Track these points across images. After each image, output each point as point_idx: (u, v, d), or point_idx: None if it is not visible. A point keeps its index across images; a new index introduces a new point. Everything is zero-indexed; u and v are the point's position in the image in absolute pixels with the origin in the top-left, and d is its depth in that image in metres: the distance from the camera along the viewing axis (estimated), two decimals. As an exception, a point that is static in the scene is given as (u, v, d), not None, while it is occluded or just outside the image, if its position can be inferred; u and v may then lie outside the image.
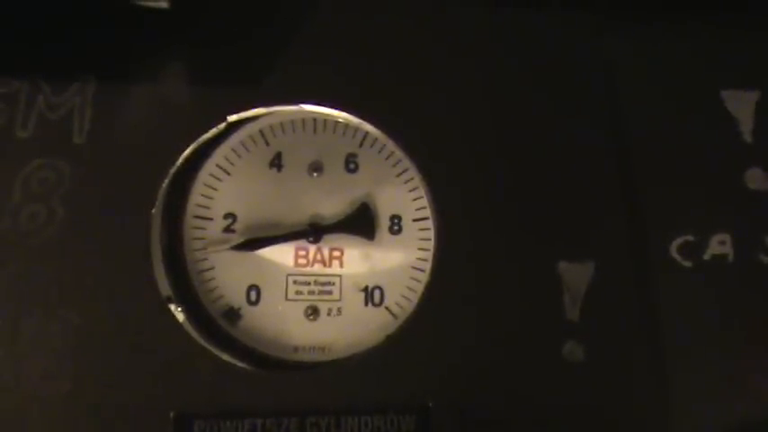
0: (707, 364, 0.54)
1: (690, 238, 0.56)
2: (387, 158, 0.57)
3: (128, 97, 0.54)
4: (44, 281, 0.50)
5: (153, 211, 0.52)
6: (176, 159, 0.53)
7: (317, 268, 0.56)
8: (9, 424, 0.48)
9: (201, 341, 0.52)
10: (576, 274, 0.54)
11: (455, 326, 0.53)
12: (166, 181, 0.53)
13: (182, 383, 0.50)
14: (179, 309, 0.52)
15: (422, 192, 0.57)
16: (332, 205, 0.57)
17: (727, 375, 0.54)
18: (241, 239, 0.55)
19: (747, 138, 0.59)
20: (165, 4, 0.52)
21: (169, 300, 0.52)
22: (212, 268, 0.55)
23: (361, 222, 0.56)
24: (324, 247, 0.56)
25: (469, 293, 0.53)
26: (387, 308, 0.56)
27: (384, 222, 0.57)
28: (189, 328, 0.52)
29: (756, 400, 0.53)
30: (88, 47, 0.54)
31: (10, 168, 0.51)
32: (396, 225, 0.57)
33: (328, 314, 0.55)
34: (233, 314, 0.55)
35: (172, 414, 0.49)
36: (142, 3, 0.52)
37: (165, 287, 0.52)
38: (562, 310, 0.53)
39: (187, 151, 0.54)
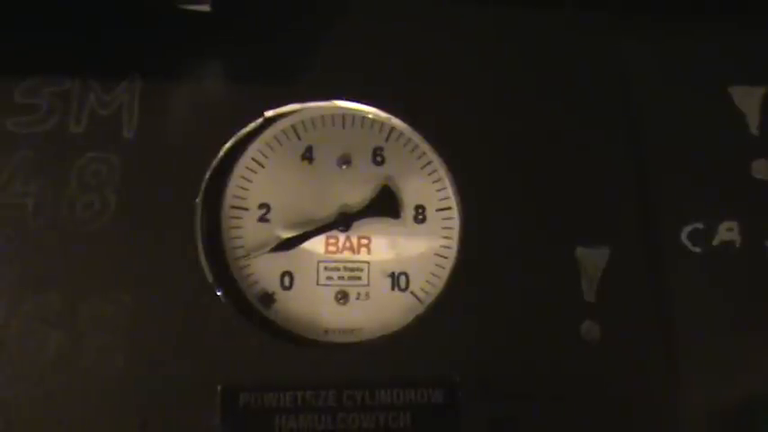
0: (714, 343, 0.56)
1: (699, 225, 0.59)
2: (412, 151, 0.60)
3: (172, 94, 0.57)
4: (99, 265, 0.53)
5: (197, 200, 0.55)
6: (217, 152, 0.56)
7: (347, 255, 0.58)
8: (69, 396, 0.51)
9: (244, 322, 0.54)
10: (593, 259, 0.57)
11: (479, 307, 0.56)
12: (208, 173, 0.56)
13: (228, 359, 0.53)
14: (219, 293, 0.55)
15: (445, 183, 0.59)
16: (359, 195, 0.59)
17: (734, 354, 0.56)
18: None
19: (754, 131, 0.61)
20: (206, 7, 0.54)
21: (212, 284, 0.55)
22: (249, 255, 0.58)
23: (385, 204, 0.59)
24: (353, 235, 0.59)
25: (492, 278, 0.56)
26: (412, 292, 0.58)
27: (409, 212, 0.59)
28: (232, 310, 0.54)
29: (759, 377, 0.56)
30: (135, 48, 0.57)
31: (65, 161, 0.54)
32: (420, 214, 0.59)
33: (357, 298, 0.58)
34: (268, 298, 0.58)
35: (219, 387, 0.52)
36: (185, 6, 0.54)
37: (207, 271, 0.55)
38: (580, 292, 0.56)
39: (227, 145, 0.56)
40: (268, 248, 0.57)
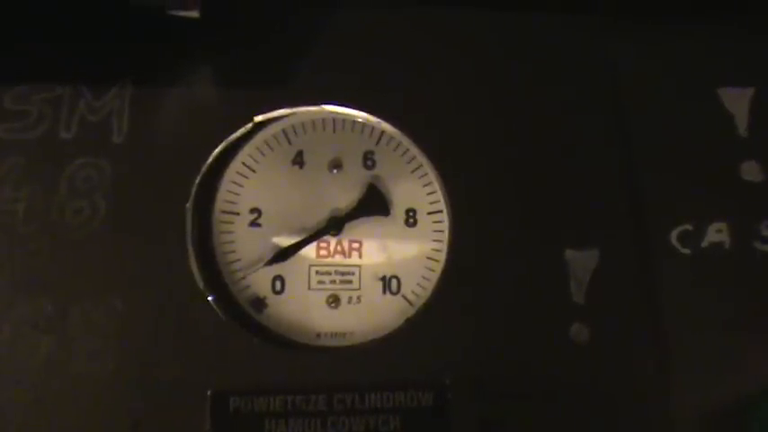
0: (704, 343, 0.56)
1: (688, 227, 0.59)
2: (402, 155, 0.60)
3: (162, 100, 0.57)
4: (90, 270, 0.53)
5: (187, 205, 0.55)
6: (207, 157, 0.56)
7: (338, 259, 0.59)
8: (60, 400, 0.51)
9: (234, 326, 0.54)
10: (582, 261, 0.57)
11: (469, 310, 0.56)
12: (199, 178, 0.56)
13: (217, 364, 0.53)
14: (210, 297, 0.55)
15: (435, 186, 0.59)
16: (350, 199, 0.59)
17: (724, 355, 0.56)
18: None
19: (743, 132, 0.62)
20: (195, 14, 0.54)
21: (203, 288, 0.55)
22: (240, 260, 0.58)
23: (373, 202, 0.59)
24: (344, 239, 0.59)
25: (482, 280, 0.56)
26: (403, 296, 0.58)
27: (400, 215, 0.59)
28: (222, 315, 0.55)
29: (749, 377, 0.56)
30: (125, 54, 0.57)
31: (56, 167, 0.54)
32: (411, 218, 0.60)
33: (348, 302, 0.58)
34: (259, 303, 0.58)
35: (209, 392, 0.52)
36: (175, 12, 0.54)
37: (198, 276, 0.55)
38: (569, 294, 0.56)
39: (217, 150, 0.57)
40: (263, 263, 0.58)
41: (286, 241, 0.58)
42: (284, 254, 0.58)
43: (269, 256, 0.58)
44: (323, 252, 0.59)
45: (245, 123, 0.58)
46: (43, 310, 0.52)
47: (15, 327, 0.52)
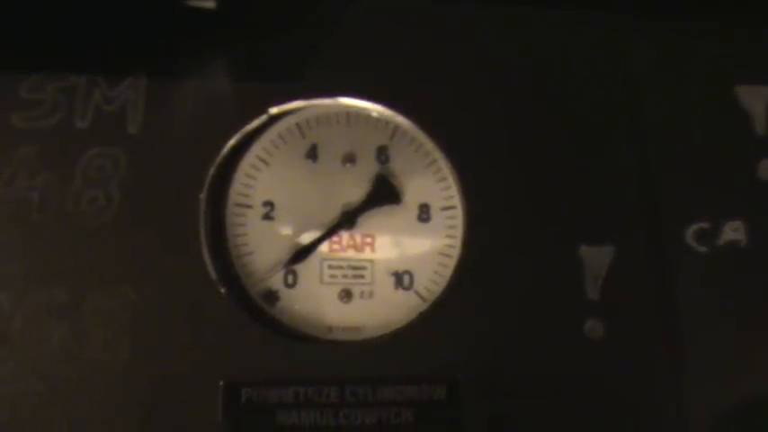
0: (718, 341, 0.56)
1: (704, 224, 0.59)
2: (416, 150, 0.60)
3: (177, 91, 0.57)
4: (104, 260, 0.53)
5: (201, 196, 0.55)
6: (222, 149, 0.56)
7: (350, 253, 0.58)
8: (72, 389, 0.51)
9: (246, 319, 0.54)
10: (597, 257, 0.57)
11: (483, 306, 0.56)
12: (212, 169, 0.56)
13: (229, 355, 0.53)
14: (222, 289, 0.55)
15: (450, 182, 0.59)
16: (363, 193, 0.59)
17: (738, 354, 0.56)
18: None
19: (760, 131, 0.61)
20: (211, 4, 0.55)
21: (216, 280, 0.55)
22: (252, 253, 0.58)
23: (383, 192, 0.59)
24: (356, 233, 0.59)
25: (496, 276, 0.56)
26: (416, 291, 0.58)
27: (413, 210, 0.59)
28: (234, 307, 0.55)
29: (763, 376, 0.56)
30: (140, 44, 0.57)
31: (71, 157, 0.55)
32: (424, 213, 0.59)
33: (360, 297, 0.58)
34: (271, 296, 0.58)
35: (221, 383, 0.52)
36: (190, 2, 0.55)
37: (211, 268, 0.55)
38: (583, 290, 0.56)
39: (232, 141, 0.57)
40: (282, 265, 0.57)
41: (298, 235, 0.58)
42: (303, 254, 0.57)
43: (281, 249, 0.58)
44: (335, 246, 0.59)
45: (260, 115, 0.58)
46: (56, 299, 0.52)
47: (29, 315, 0.52)
